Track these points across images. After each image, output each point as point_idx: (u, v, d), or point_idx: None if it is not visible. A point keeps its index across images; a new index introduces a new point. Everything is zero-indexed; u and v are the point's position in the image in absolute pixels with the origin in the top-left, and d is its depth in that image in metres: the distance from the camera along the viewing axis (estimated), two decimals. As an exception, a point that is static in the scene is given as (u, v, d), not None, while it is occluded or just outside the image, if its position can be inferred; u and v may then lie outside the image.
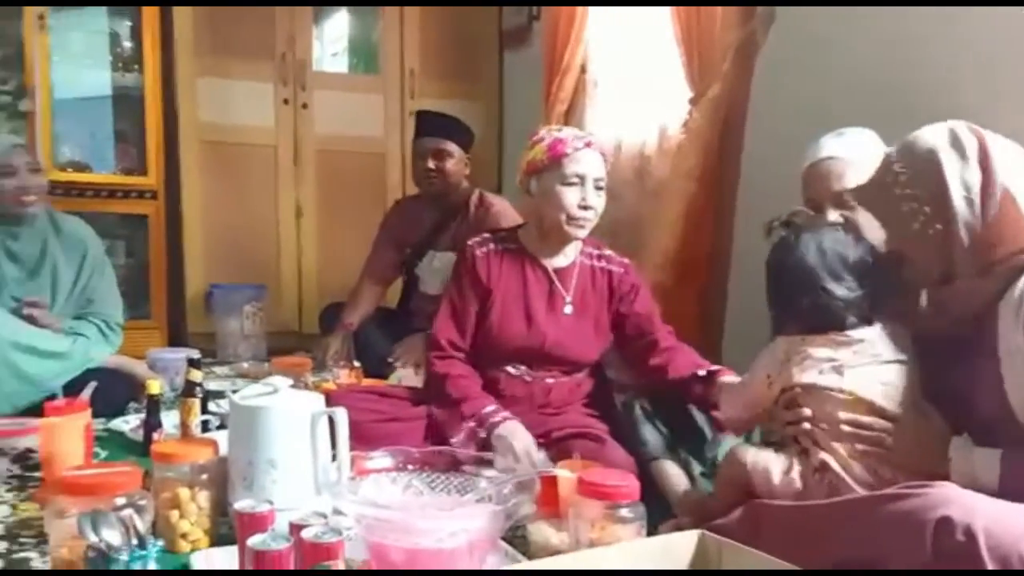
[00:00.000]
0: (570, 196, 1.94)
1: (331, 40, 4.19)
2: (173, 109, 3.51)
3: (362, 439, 1.83)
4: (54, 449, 1.78)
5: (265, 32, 3.60)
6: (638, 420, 1.88)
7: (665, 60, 2.89)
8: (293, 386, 1.69)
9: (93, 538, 1.19)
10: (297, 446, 1.55)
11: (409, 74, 3.84)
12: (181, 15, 3.46)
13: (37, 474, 1.91)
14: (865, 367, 1.44)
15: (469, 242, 2.08)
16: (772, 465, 1.47)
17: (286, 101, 3.64)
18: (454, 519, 1.38)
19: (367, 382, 2.57)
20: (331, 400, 1.97)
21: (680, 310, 2.58)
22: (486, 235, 2.11)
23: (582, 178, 1.94)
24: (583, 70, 3.40)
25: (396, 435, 1.94)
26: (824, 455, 1.43)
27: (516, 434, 1.86)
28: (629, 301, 2.06)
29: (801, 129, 1.85)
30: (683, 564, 1.31)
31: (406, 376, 2.56)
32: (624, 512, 1.42)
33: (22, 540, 1.59)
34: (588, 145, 1.96)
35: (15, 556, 1.52)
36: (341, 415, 1.57)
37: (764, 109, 2.58)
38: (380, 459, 1.57)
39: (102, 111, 3.65)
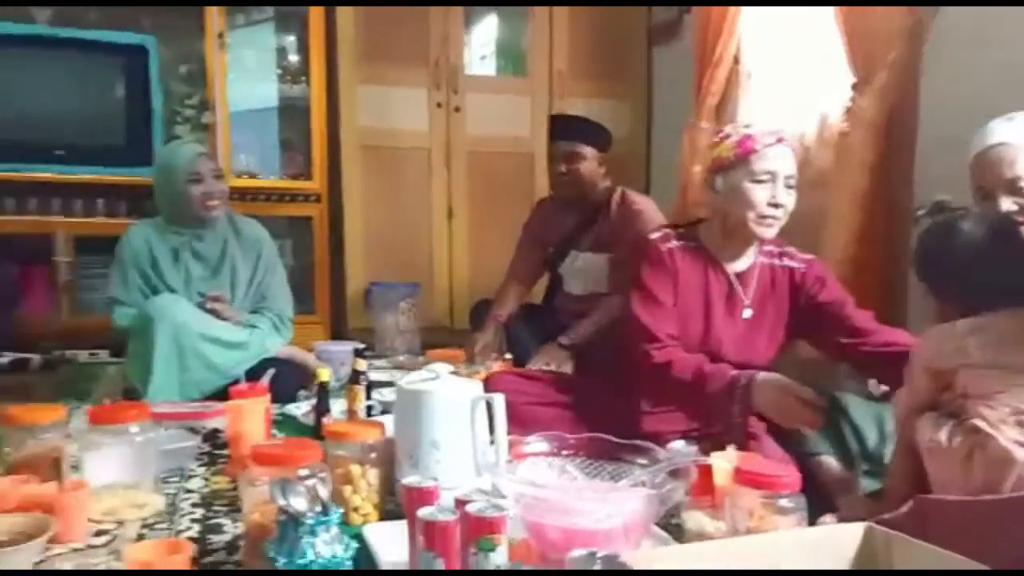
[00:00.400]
0: (759, 194, 1.88)
1: (479, 44, 4.32)
2: (335, 116, 3.72)
3: (514, 421, 1.89)
4: (240, 428, 1.95)
5: (420, 38, 3.75)
6: None
7: (824, 47, 2.79)
8: (452, 374, 1.77)
9: (283, 503, 1.29)
10: (458, 428, 1.63)
11: (557, 75, 3.90)
12: (344, 27, 3.66)
13: (224, 451, 2.08)
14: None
15: (652, 237, 2.03)
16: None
17: (439, 105, 3.78)
18: (609, 501, 1.42)
19: (516, 373, 2.64)
20: (488, 382, 2.06)
21: (860, 305, 2.49)
22: (667, 231, 2.05)
23: (772, 175, 1.88)
24: (736, 61, 3.34)
25: (546, 419, 1.99)
26: (977, 421, 1.35)
27: (772, 377, 1.81)
28: (814, 294, 1.99)
29: (973, 116, 1.76)
30: (848, 556, 1.27)
31: None
32: (784, 502, 1.41)
33: (215, 508, 1.75)
34: (779, 141, 1.91)
35: (210, 522, 1.68)
36: (499, 400, 1.63)
37: (935, 97, 2.45)
38: (536, 443, 1.62)
39: (270, 121, 3.92)
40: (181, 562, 1.30)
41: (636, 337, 1.97)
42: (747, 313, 2.00)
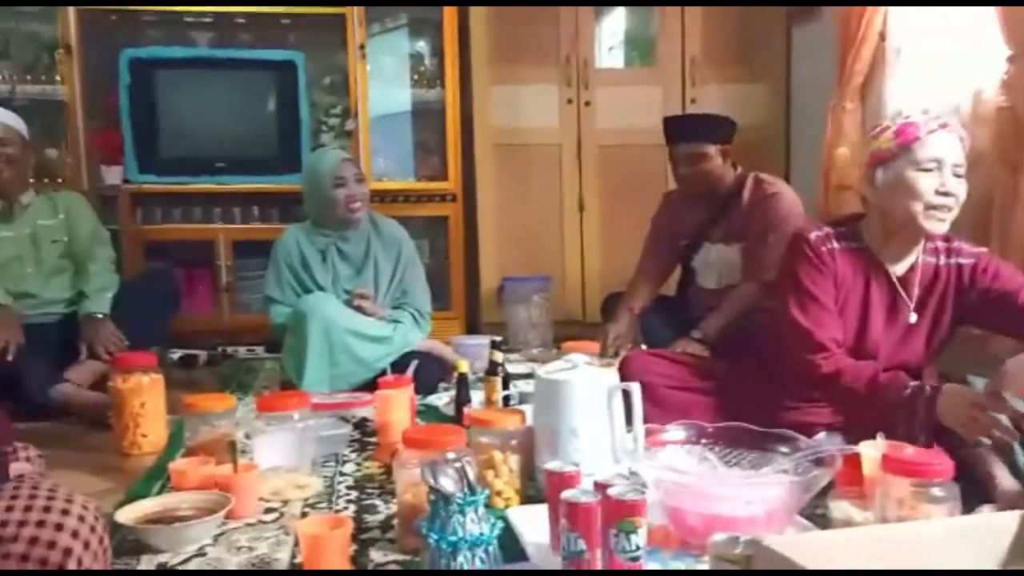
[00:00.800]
0: (925, 182, 1.76)
1: (608, 35, 4.32)
2: (468, 117, 3.83)
3: (653, 403, 1.90)
4: (387, 417, 2.07)
5: (550, 36, 3.80)
6: None
7: (976, 18, 2.63)
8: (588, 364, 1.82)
9: (433, 483, 1.37)
10: (596, 416, 1.67)
11: (690, 62, 3.86)
12: (476, 30, 3.76)
13: (373, 439, 2.21)
14: None
15: (811, 236, 1.90)
16: None
17: (570, 101, 3.82)
18: (750, 488, 1.42)
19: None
20: (625, 362, 2.07)
21: None
22: (828, 229, 1.93)
23: (939, 163, 1.76)
24: (882, 38, 3.19)
25: (685, 404, 1.99)
26: None
27: (960, 390, 1.70)
28: (986, 288, 1.86)
29: None
30: (1002, 547, 1.22)
31: None
32: (935, 491, 1.37)
33: (368, 491, 1.87)
34: (944, 127, 1.79)
35: (364, 503, 1.79)
36: (635, 389, 1.66)
37: None
38: (674, 431, 1.65)
39: (406, 125, 4.07)
40: (343, 535, 1.41)
41: (798, 345, 1.87)
42: (912, 318, 1.90)
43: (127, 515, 1.58)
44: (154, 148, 3.67)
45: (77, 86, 3.57)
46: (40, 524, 1.04)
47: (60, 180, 3.57)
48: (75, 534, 1.07)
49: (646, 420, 1.63)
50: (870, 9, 3.11)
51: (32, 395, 2.49)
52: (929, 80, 2.92)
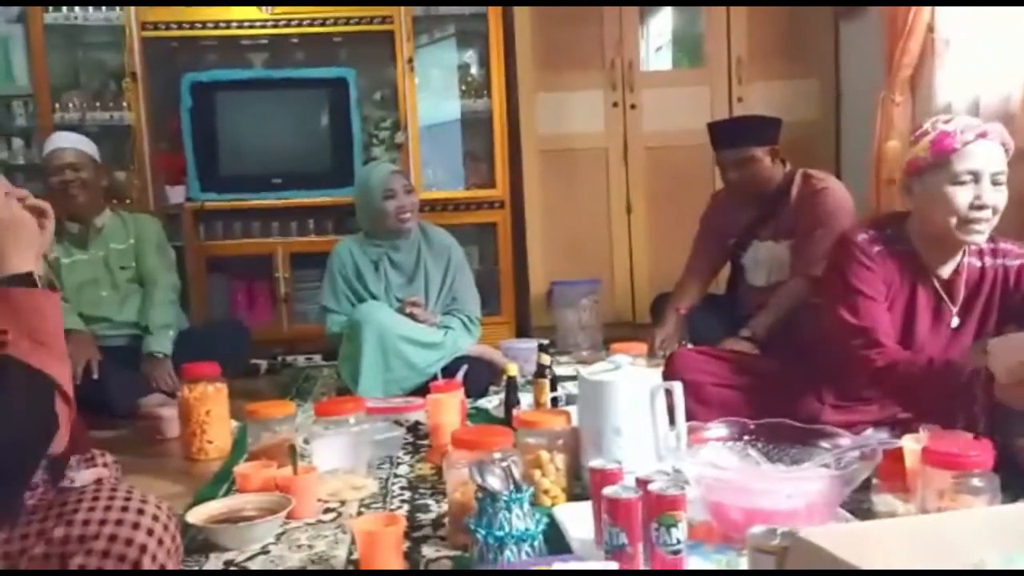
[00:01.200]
0: (961, 196, 1.75)
1: (655, 35, 4.33)
2: (515, 125, 3.90)
3: (698, 400, 1.94)
4: (439, 420, 2.14)
5: (595, 41, 3.83)
6: None
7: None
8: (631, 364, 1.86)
9: (480, 482, 1.44)
10: (638, 416, 1.71)
11: (736, 61, 3.86)
12: (521, 39, 3.82)
13: (426, 441, 2.29)
14: None
15: (857, 238, 1.90)
16: None
17: (615, 104, 3.85)
18: (790, 481, 1.45)
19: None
20: (671, 360, 2.10)
21: None
22: (874, 232, 1.91)
23: (976, 175, 1.75)
24: (930, 30, 3.16)
25: (730, 401, 2.01)
26: None
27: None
28: None
29: None
30: None
31: None
32: (975, 482, 1.38)
33: (421, 491, 1.94)
34: (983, 136, 1.76)
35: (417, 502, 1.86)
36: (677, 388, 1.70)
37: None
38: (716, 429, 1.67)
39: (455, 135, 4.16)
40: (397, 532, 1.48)
41: (851, 342, 1.86)
42: (955, 322, 1.89)
43: (196, 516, 1.68)
44: (214, 167, 3.82)
45: (143, 111, 3.76)
46: (119, 523, 1.13)
47: (128, 201, 3.75)
48: (150, 532, 1.15)
49: (691, 418, 1.66)
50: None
51: (120, 407, 2.67)
52: (979, 70, 2.88)
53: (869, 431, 1.94)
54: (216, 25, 3.82)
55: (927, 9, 3.10)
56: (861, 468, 1.44)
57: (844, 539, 1.17)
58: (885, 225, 1.96)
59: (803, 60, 3.87)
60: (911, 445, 1.54)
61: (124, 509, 1.12)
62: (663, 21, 4.29)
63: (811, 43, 3.87)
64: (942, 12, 3.09)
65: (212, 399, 2.33)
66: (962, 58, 2.99)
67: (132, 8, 3.72)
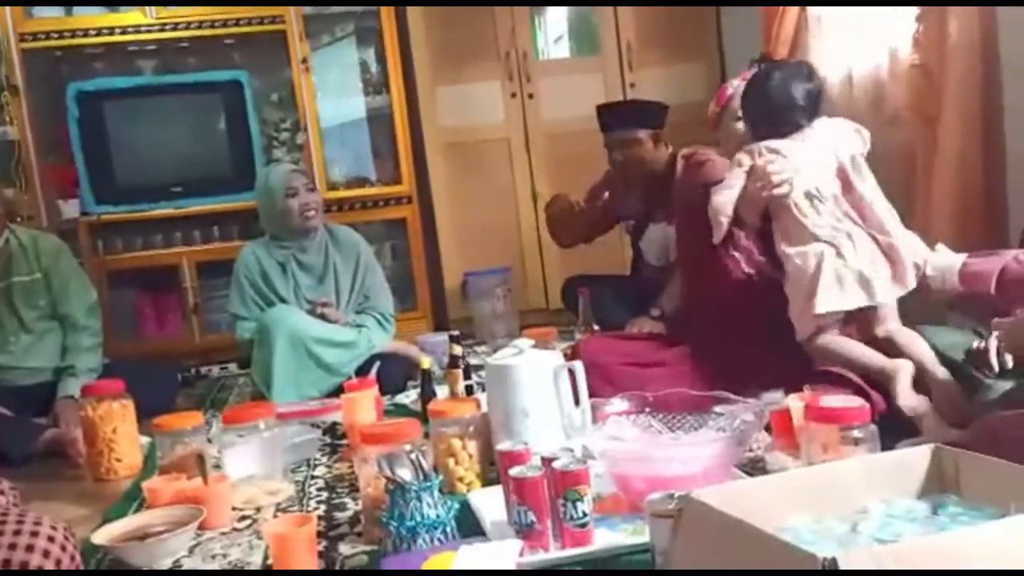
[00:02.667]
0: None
1: (553, 25, 4.40)
2: (417, 120, 3.90)
3: (608, 381, 2.01)
4: (354, 419, 2.13)
5: (488, 32, 3.88)
6: None
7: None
8: (535, 347, 1.90)
9: (390, 474, 1.46)
10: (544, 396, 1.76)
11: (627, 48, 3.95)
12: (416, 35, 3.83)
13: (344, 441, 2.29)
14: None
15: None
16: None
17: (513, 95, 3.91)
18: (685, 447, 1.52)
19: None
20: (579, 346, 2.17)
21: (964, 237, 2.44)
22: None
23: None
24: (802, 7, 3.30)
25: (640, 379, 2.08)
26: None
27: None
28: None
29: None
30: (918, 478, 1.29)
31: None
32: (856, 433, 1.47)
33: (338, 490, 1.94)
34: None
35: (335, 502, 1.87)
36: (579, 368, 1.75)
37: (1016, 17, 2.34)
38: (617, 403, 1.74)
39: (359, 133, 4.14)
40: (308, 532, 1.48)
41: None
42: None
43: (103, 536, 1.65)
44: (109, 178, 3.71)
45: (27, 124, 3.61)
46: (12, 547, 1.11)
47: (19, 220, 3.61)
48: (46, 553, 1.14)
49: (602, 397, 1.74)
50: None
51: (13, 456, 2.41)
52: (850, 43, 3.03)
53: (764, 394, 2.03)
54: (100, 32, 3.71)
55: (799, -12, 3.24)
56: (750, 429, 1.52)
57: (734, 497, 1.23)
58: None
59: (688, 45, 4.00)
60: (796, 403, 1.62)
61: (17, 532, 1.11)
62: (559, 12, 4.36)
63: (694, 28, 4.01)
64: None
65: (118, 416, 2.28)
66: (834, 33, 3.14)
67: (8, 20, 3.57)
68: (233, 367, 3.63)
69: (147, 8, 3.71)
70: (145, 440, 2.37)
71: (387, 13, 3.87)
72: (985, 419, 1.39)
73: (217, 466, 2.04)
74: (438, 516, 1.45)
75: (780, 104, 2.08)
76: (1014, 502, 1.07)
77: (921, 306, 2.63)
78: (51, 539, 1.14)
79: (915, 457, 1.32)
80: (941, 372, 1.81)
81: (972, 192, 2.47)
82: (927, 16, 2.50)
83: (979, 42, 2.43)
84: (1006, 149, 2.44)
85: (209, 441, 2.15)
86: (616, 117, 2.93)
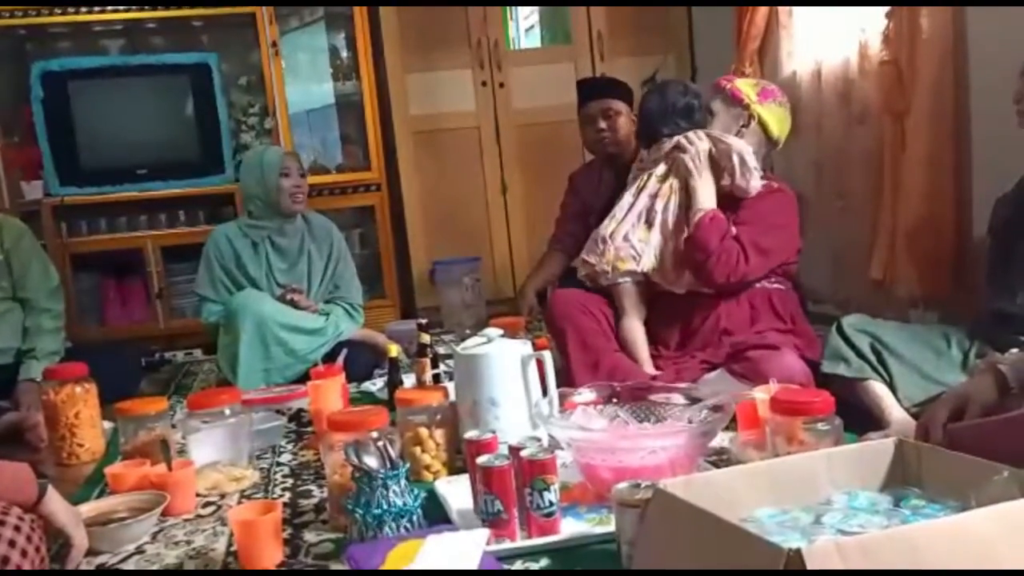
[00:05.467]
0: None
1: (524, 15, 4.40)
2: (387, 107, 3.88)
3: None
4: (320, 406, 2.12)
5: (459, 22, 3.87)
6: (843, 340, 1.93)
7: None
8: (503, 336, 1.90)
9: (356, 462, 1.45)
10: (512, 385, 1.76)
11: (597, 36, 3.96)
12: (387, 22, 3.81)
13: (309, 428, 2.28)
14: None
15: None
16: None
17: (484, 83, 3.90)
18: (651, 438, 1.52)
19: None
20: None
21: (935, 253, 2.51)
22: None
23: None
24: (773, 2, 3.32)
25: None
26: None
27: None
28: None
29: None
30: (882, 470, 1.32)
31: None
32: (820, 426, 1.49)
33: (304, 477, 1.93)
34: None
35: (300, 489, 1.86)
36: (547, 357, 1.76)
37: (984, 15, 2.37)
38: (586, 393, 1.74)
39: (329, 119, 4.10)
40: (274, 518, 1.47)
41: None
42: None
43: (79, 514, 1.62)
44: (73, 160, 3.63)
45: (-11, 103, 3.53)
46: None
47: (-20, 201, 3.53)
48: (12, 543, 1.12)
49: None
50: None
51: None
52: (819, 40, 3.06)
53: (708, 375, 2.07)
54: (65, 12, 3.63)
55: (771, -19, 3.26)
56: (716, 421, 1.53)
57: (700, 487, 1.24)
58: None
59: (660, 36, 4.02)
60: (761, 396, 1.64)
61: (-17, 522, 1.09)
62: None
63: (666, 19, 4.04)
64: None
65: (80, 400, 2.24)
66: (804, 29, 3.16)
67: (-32, -4, 3.49)
68: (198, 352, 3.59)
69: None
70: (108, 425, 2.34)
71: (359, -1, 3.84)
72: (948, 429, 1.41)
73: (181, 451, 2.01)
74: (405, 504, 1.44)
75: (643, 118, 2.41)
76: (974, 495, 1.09)
77: (884, 303, 2.69)
78: (17, 528, 1.12)
79: (878, 450, 1.34)
80: (898, 412, 1.83)
81: (940, 189, 2.50)
82: (898, 13, 2.52)
83: (950, 39, 2.46)
84: (972, 146, 2.48)
85: (173, 427, 2.12)
86: (598, 87, 2.99)
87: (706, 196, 2.22)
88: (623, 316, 2.29)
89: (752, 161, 2.23)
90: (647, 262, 2.28)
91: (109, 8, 3.67)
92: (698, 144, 2.26)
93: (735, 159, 2.22)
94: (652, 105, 2.37)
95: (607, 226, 2.33)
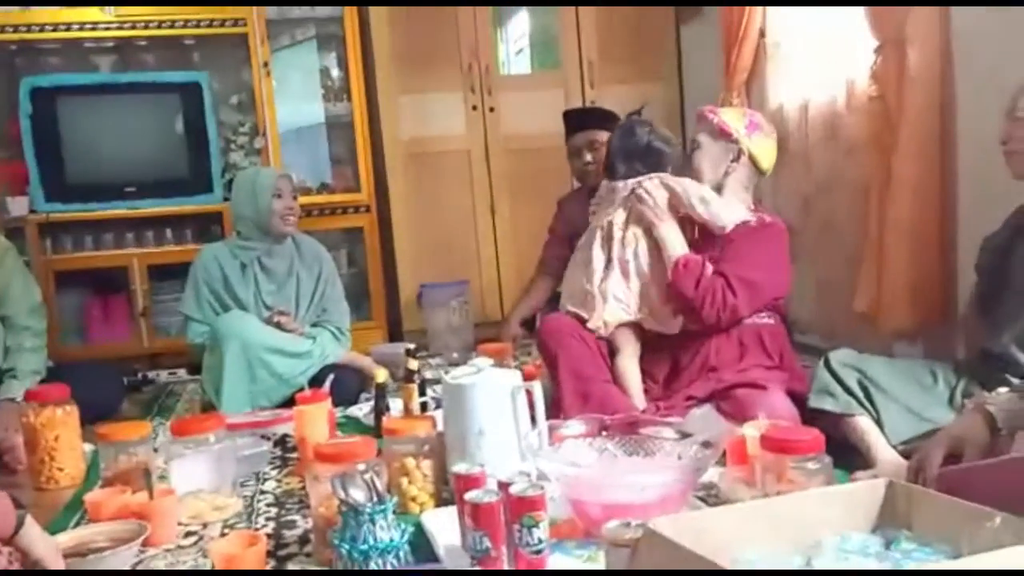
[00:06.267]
0: None
1: (514, 39, 4.42)
2: (378, 129, 3.87)
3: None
4: (306, 432, 2.10)
5: (451, 45, 3.88)
6: (830, 375, 1.93)
7: (848, 10, 2.77)
8: (495, 365, 1.89)
9: (343, 495, 1.43)
10: (501, 417, 1.75)
11: (587, 64, 3.98)
12: (379, 43, 3.81)
13: (294, 454, 2.25)
14: None
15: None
16: None
17: (475, 107, 3.90)
18: (642, 475, 1.52)
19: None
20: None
21: (920, 287, 2.52)
22: None
23: None
24: (762, 35, 3.35)
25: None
26: None
27: None
28: None
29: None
30: (872, 511, 1.31)
31: None
32: (810, 465, 1.48)
33: (288, 506, 1.91)
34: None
35: (284, 519, 1.83)
36: (537, 389, 1.75)
37: (971, 52, 2.41)
38: (574, 426, 1.73)
39: (318, 139, 4.09)
40: (258, 552, 1.45)
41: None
42: None
43: (57, 546, 1.59)
44: (60, 176, 3.61)
45: (-25, 118, 3.51)
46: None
47: (-37, 216, 3.49)
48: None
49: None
50: (750, 7, 3.27)
51: None
52: (807, 73, 3.09)
53: (696, 411, 2.07)
54: (56, 28, 3.61)
55: (759, 15, 3.30)
56: (707, 458, 1.53)
57: (690, 527, 1.23)
58: None
59: (649, 65, 4.05)
60: (752, 432, 1.64)
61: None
62: (521, 25, 4.38)
63: (656, 48, 4.07)
64: (773, 18, 3.30)
65: (61, 423, 2.21)
66: (792, 62, 3.20)
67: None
68: (182, 372, 3.55)
69: (106, 5, 3.62)
70: (88, 447, 2.30)
71: (351, 18, 3.84)
72: (940, 475, 1.40)
73: (162, 477, 1.98)
74: (392, 539, 1.43)
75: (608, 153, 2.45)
76: (966, 540, 1.09)
77: (868, 335, 2.70)
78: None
79: (869, 491, 1.34)
80: (884, 450, 1.83)
81: (926, 224, 2.52)
82: (886, 48, 2.55)
83: (937, 76, 2.49)
84: (958, 181, 2.51)
85: (155, 451, 2.09)
86: (585, 119, 3.03)
87: (674, 243, 2.23)
88: (618, 355, 2.28)
89: (710, 195, 2.25)
90: (636, 311, 2.29)
91: (101, 25, 3.65)
92: (655, 193, 2.27)
93: (694, 202, 2.23)
94: (616, 143, 2.41)
95: (590, 280, 2.32)
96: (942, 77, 2.49)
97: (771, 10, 3.29)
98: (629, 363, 2.26)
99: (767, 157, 2.34)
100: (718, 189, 2.30)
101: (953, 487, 1.32)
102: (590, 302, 2.29)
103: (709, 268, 2.18)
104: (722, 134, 2.29)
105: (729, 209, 2.23)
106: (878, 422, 1.85)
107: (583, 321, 2.29)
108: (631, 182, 2.32)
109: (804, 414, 1.97)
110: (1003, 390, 1.60)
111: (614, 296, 2.28)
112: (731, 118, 2.33)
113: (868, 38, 2.62)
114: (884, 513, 1.31)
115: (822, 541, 1.24)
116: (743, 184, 2.31)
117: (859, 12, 2.65)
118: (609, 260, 2.31)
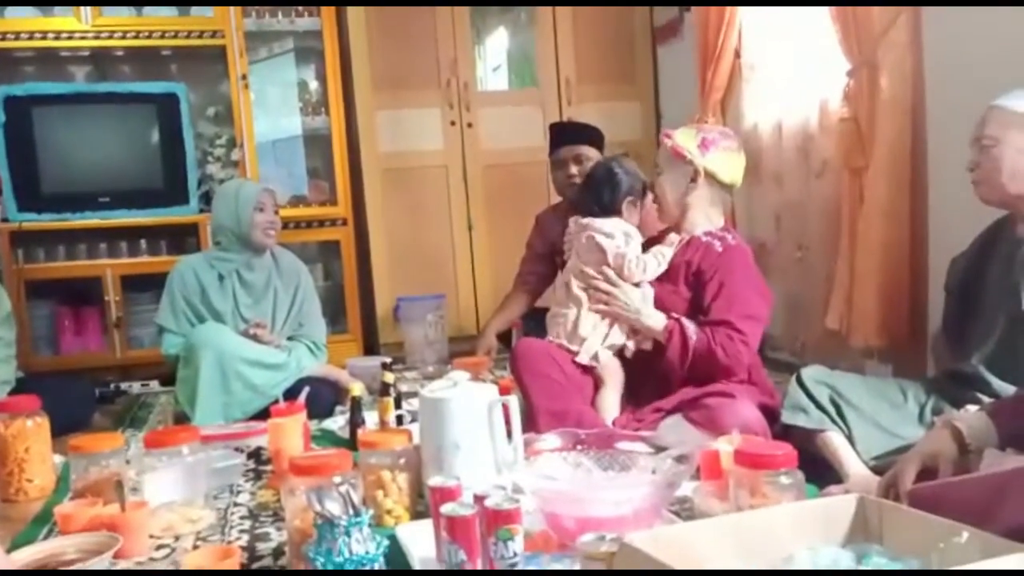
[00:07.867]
0: None
1: (492, 54, 4.45)
2: (356, 142, 3.88)
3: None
4: (280, 445, 2.09)
5: (430, 61, 3.91)
6: (803, 391, 1.96)
7: (821, 33, 2.82)
8: (471, 380, 1.90)
9: (318, 508, 1.42)
10: (477, 430, 1.75)
11: (565, 83, 4.02)
12: (358, 58, 3.82)
13: (268, 467, 2.23)
14: None
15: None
16: None
17: (453, 123, 3.93)
18: (617, 489, 1.53)
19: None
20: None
21: (891, 305, 2.56)
22: None
23: None
24: (737, 55, 3.41)
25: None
26: None
27: None
28: None
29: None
30: (843, 526, 1.33)
31: None
32: (783, 479, 1.50)
33: (262, 519, 1.89)
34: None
35: (258, 531, 1.82)
36: (513, 403, 1.75)
37: (940, 70, 2.47)
38: (550, 440, 1.74)
39: (296, 152, 4.09)
40: (231, 565, 1.44)
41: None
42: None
43: (9, 563, 1.57)
44: (34, 185, 3.58)
45: (-53, 126, 3.46)
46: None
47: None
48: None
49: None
50: (726, 27, 3.33)
51: None
52: (781, 94, 3.14)
53: (666, 421, 2.09)
54: (32, 36, 3.59)
55: (734, 35, 3.36)
56: (681, 472, 1.54)
57: (664, 541, 1.25)
58: None
59: (626, 83, 4.11)
60: (725, 447, 1.65)
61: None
62: (499, 41, 4.41)
63: (633, 68, 4.13)
64: (748, 38, 3.36)
65: (31, 435, 2.18)
66: (766, 82, 3.25)
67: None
68: (155, 384, 3.52)
69: (82, 14, 3.60)
70: (58, 459, 2.27)
71: (330, 31, 3.86)
72: (910, 492, 1.42)
73: (135, 489, 1.96)
74: (367, 552, 1.42)
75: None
76: (935, 555, 1.10)
77: (839, 352, 2.74)
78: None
79: (840, 506, 1.35)
80: (855, 465, 1.85)
81: (897, 243, 2.57)
82: (858, 72, 2.61)
83: (909, 99, 2.54)
84: (928, 202, 2.56)
85: (127, 462, 2.07)
86: (570, 133, 3.05)
87: (649, 318, 2.24)
88: (602, 387, 2.28)
89: (634, 253, 2.30)
90: (619, 339, 2.30)
91: (77, 34, 3.63)
92: (600, 286, 2.30)
93: (631, 265, 2.28)
94: (587, 179, 2.51)
95: (576, 317, 2.33)
96: (913, 100, 2.55)
97: (746, 31, 3.35)
98: (611, 395, 2.25)
99: (727, 172, 2.29)
100: (683, 209, 2.31)
101: (925, 503, 1.34)
102: (576, 337, 2.30)
103: (691, 331, 2.18)
104: (677, 156, 2.27)
105: (651, 265, 2.29)
106: (849, 438, 1.88)
107: (571, 353, 2.28)
108: (584, 236, 2.39)
109: (774, 428, 2.00)
110: (972, 408, 1.64)
111: (594, 327, 2.30)
112: (683, 139, 2.28)
113: (841, 61, 2.68)
114: (855, 528, 1.33)
115: (794, 555, 1.26)
116: (708, 201, 2.30)
117: (833, 36, 2.71)
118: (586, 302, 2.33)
